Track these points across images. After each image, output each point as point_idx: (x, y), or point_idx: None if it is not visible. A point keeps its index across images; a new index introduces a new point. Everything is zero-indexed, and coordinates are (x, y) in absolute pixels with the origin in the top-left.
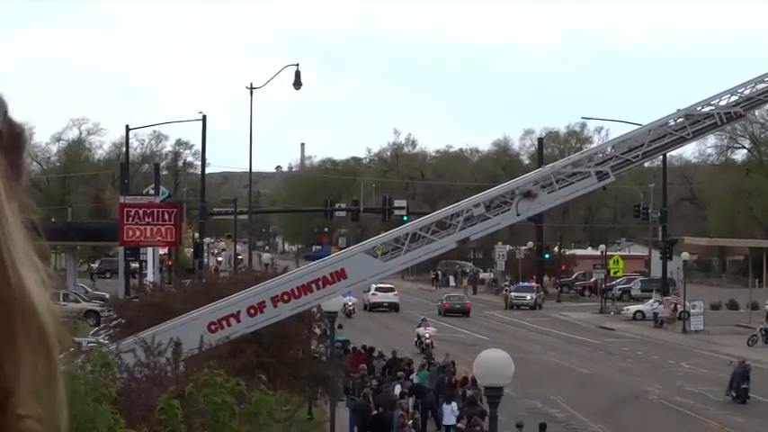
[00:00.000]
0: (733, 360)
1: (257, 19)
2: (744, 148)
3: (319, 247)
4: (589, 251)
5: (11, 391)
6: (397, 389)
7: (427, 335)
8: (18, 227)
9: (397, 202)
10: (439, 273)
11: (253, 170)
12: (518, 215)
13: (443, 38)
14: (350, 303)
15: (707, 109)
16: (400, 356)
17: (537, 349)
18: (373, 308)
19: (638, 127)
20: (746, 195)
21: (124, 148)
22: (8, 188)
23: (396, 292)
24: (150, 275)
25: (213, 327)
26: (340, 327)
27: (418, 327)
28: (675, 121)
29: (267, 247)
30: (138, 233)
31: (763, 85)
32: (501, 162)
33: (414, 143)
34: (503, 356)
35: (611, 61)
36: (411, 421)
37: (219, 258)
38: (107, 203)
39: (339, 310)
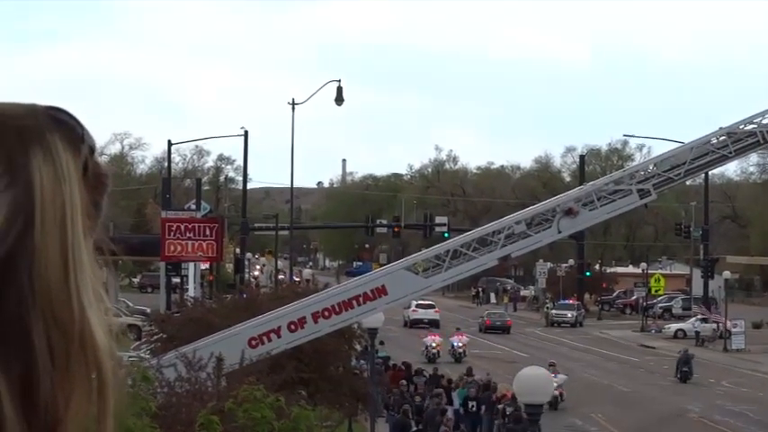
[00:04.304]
0: None
1: (300, 35)
2: None
3: (360, 263)
4: (630, 269)
5: (60, 419)
6: (450, 412)
7: (460, 344)
8: (92, 265)
9: (438, 219)
10: (480, 290)
11: (294, 186)
12: (559, 232)
13: (487, 54)
14: (434, 344)
15: (749, 127)
16: (440, 373)
17: (577, 367)
18: (413, 324)
19: (680, 145)
20: None
21: (166, 163)
22: (87, 226)
23: (436, 309)
24: (191, 290)
25: (254, 342)
26: (381, 343)
27: (452, 336)
28: (718, 139)
29: (310, 263)
30: (179, 248)
31: None
32: (542, 179)
33: (455, 159)
34: (543, 374)
35: (654, 78)
36: None
37: (256, 273)
38: (149, 218)
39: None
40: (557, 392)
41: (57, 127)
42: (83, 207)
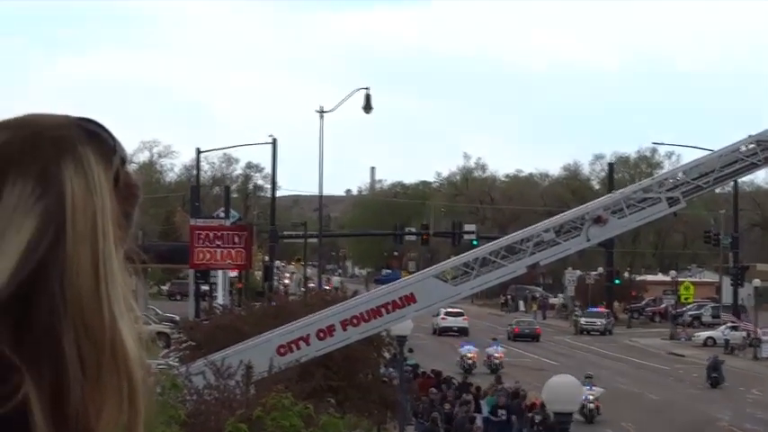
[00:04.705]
0: None
1: (327, 43)
2: None
3: (389, 270)
4: (659, 277)
5: (91, 428)
6: (479, 420)
7: (496, 354)
8: (122, 274)
9: (466, 227)
10: (509, 297)
11: (323, 194)
12: (588, 240)
13: (516, 61)
14: (470, 355)
15: None
16: (469, 381)
17: (607, 375)
18: (442, 332)
19: (709, 152)
20: None
21: (195, 171)
22: (118, 236)
23: (465, 317)
24: (220, 298)
25: (283, 350)
26: (410, 351)
27: (489, 347)
28: (747, 146)
29: (340, 271)
30: (208, 256)
31: None
32: (571, 187)
33: (484, 167)
34: (572, 382)
35: (683, 86)
36: None
37: (286, 281)
38: (177, 226)
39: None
40: (593, 405)
41: (89, 138)
42: (114, 218)
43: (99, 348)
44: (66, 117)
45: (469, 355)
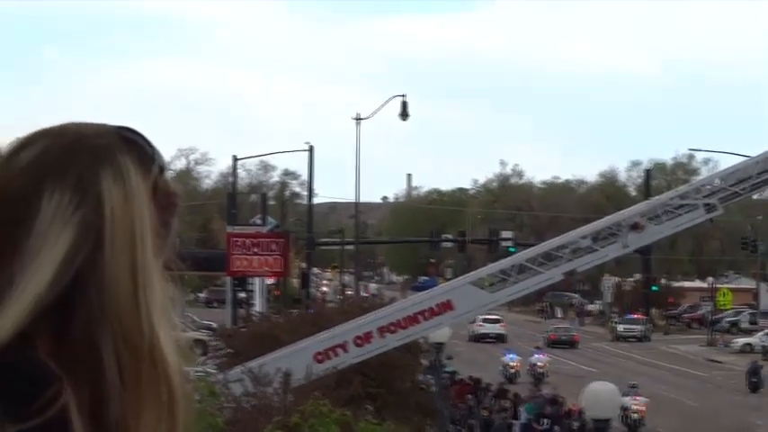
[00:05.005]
0: None
1: (363, 49)
2: None
3: (426, 277)
4: (697, 283)
5: None
6: (517, 427)
7: (540, 363)
8: (160, 284)
9: (503, 233)
10: (546, 304)
11: (359, 201)
12: (625, 247)
13: (552, 68)
14: (512, 363)
15: None
16: (506, 387)
17: (645, 382)
18: (479, 339)
19: (747, 158)
20: None
21: (232, 178)
22: (156, 245)
23: (502, 323)
24: (257, 305)
25: (320, 357)
26: (449, 358)
27: (532, 356)
28: None
29: (377, 278)
30: (245, 263)
31: None
32: (607, 193)
33: (520, 174)
34: (610, 389)
35: (720, 92)
36: None
37: (325, 289)
38: (214, 233)
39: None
40: (637, 416)
41: (127, 147)
42: (152, 226)
43: (138, 358)
44: (105, 126)
45: (512, 363)
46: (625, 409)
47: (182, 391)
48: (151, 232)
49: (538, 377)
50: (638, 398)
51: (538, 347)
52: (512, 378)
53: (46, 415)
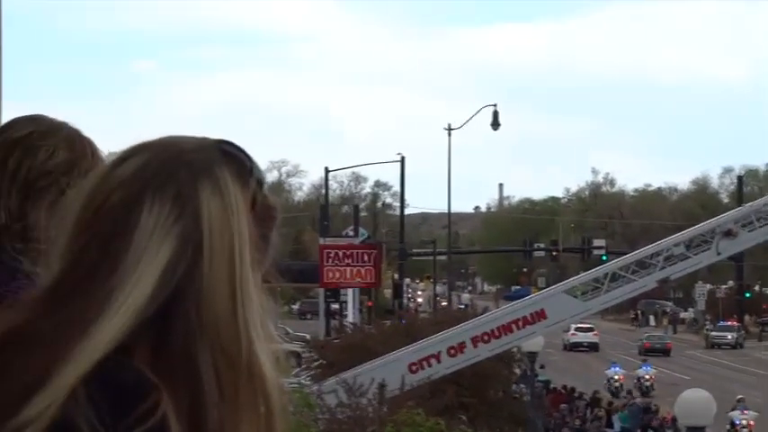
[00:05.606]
0: None
1: (454, 59)
2: None
3: (519, 287)
4: None
5: None
6: None
7: (647, 376)
8: (258, 296)
9: (596, 242)
10: (639, 312)
11: (451, 211)
12: (718, 254)
13: (641, 75)
14: (617, 377)
15: None
16: (599, 396)
17: (739, 389)
18: (573, 348)
19: None
20: None
21: (323, 190)
22: (255, 258)
23: (595, 332)
24: (350, 316)
25: (414, 367)
26: (542, 367)
27: (639, 368)
28: None
29: (469, 288)
30: (337, 275)
31: None
32: (700, 200)
33: (612, 182)
34: (704, 396)
35: None
36: None
37: (419, 300)
38: (306, 245)
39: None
40: (747, 431)
41: (226, 160)
42: (251, 239)
43: (236, 370)
44: (205, 139)
45: (616, 377)
46: (733, 424)
47: (279, 404)
48: (250, 245)
49: (645, 390)
50: (746, 412)
51: (645, 360)
52: (616, 392)
53: (146, 424)
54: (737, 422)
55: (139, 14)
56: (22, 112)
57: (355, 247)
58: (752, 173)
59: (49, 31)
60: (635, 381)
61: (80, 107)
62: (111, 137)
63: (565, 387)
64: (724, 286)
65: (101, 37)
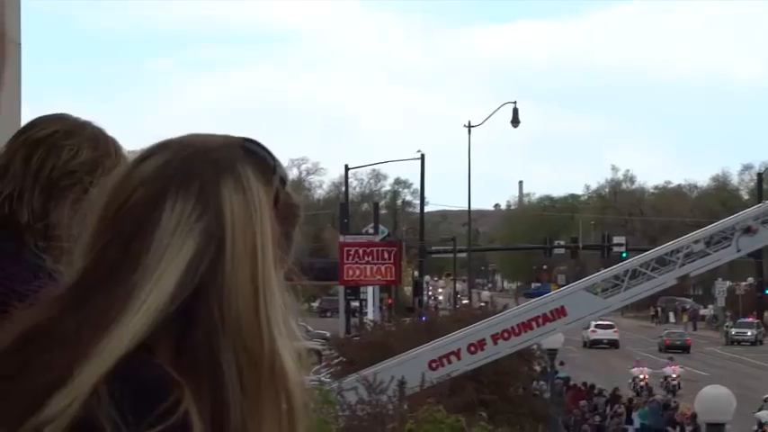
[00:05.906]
0: None
1: (474, 56)
2: None
3: (539, 284)
4: None
5: None
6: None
7: (674, 375)
8: (281, 294)
9: (615, 239)
10: (659, 309)
11: (471, 208)
12: (738, 251)
13: (661, 72)
14: (642, 376)
15: None
16: (619, 393)
17: (759, 386)
18: (593, 345)
19: None
20: None
21: (343, 188)
22: (277, 256)
23: (615, 329)
24: (371, 314)
25: (434, 364)
26: (562, 363)
27: (665, 367)
28: None
29: (489, 285)
30: (358, 272)
31: None
32: (720, 197)
33: (632, 179)
34: (724, 393)
35: None
36: None
37: (440, 297)
38: (327, 243)
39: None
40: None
41: (249, 158)
42: (274, 237)
43: (258, 369)
44: (227, 137)
45: (642, 376)
46: (761, 424)
47: (301, 401)
48: (272, 243)
49: (671, 389)
50: None
51: (671, 358)
52: (639, 392)
53: (168, 422)
54: (766, 422)
55: (155, 13)
56: (40, 112)
57: (375, 245)
58: None
59: (66, 30)
60: (661, 380)
61: (96, 106)
62: (128, 136)
63: (584, 384)
64: (744, 283)
65: (116, 36)
